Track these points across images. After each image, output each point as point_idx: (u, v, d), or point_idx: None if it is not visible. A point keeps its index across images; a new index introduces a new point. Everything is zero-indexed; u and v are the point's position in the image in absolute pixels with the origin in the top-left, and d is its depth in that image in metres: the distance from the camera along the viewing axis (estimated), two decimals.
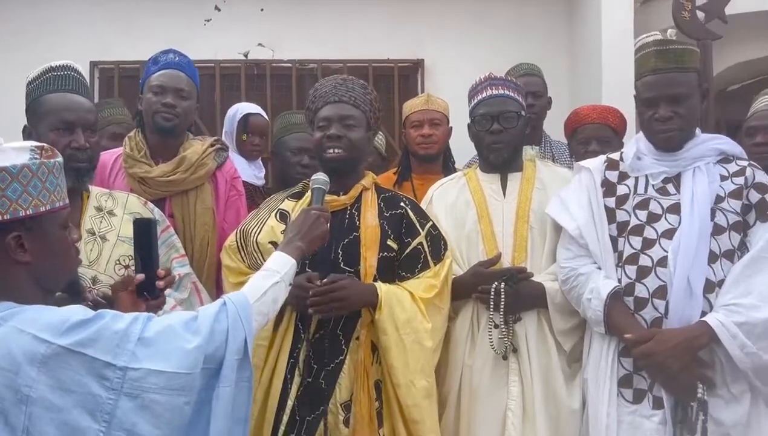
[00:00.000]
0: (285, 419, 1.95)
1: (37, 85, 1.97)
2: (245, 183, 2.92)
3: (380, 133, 3.37)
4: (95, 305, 1.69)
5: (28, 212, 1.30)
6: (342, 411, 1.97)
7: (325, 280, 1.95)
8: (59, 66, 1.99)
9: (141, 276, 1.62)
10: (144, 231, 1.66)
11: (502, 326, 2.14)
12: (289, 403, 1.96)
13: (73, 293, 1.56)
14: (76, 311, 1.29)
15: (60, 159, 1.39)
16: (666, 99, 2.03)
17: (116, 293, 1.64)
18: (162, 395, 1.27)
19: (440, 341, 2.13)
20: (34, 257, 1.32)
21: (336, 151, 2.08)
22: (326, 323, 2.00)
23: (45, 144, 1.38)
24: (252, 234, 2.10)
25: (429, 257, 2.11)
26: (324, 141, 2.09)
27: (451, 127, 3.01)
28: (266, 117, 3.29)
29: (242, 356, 1.41)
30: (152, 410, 1.26)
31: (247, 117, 3.17)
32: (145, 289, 1.63)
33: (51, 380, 1.21)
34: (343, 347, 2.00)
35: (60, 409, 1.21)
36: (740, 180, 2.02)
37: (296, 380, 1.98)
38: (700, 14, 3.43)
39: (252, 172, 3.13)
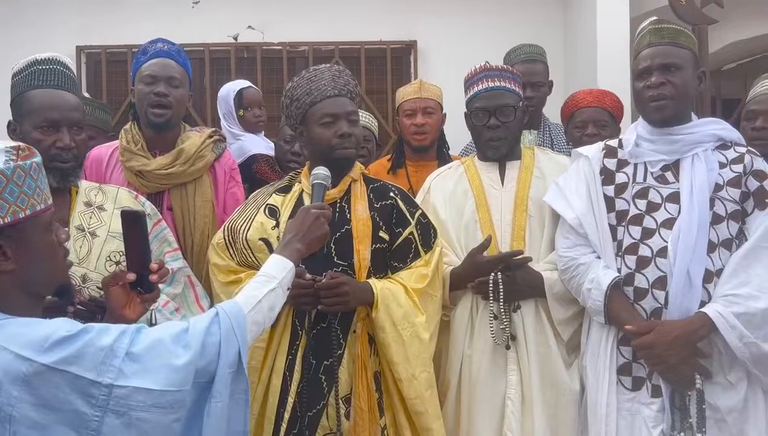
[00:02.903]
0: (286, 416, 1.93)
1: (22, 80, 1.89)
2: (267, 156, 3.03)
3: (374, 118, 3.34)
4: (79, 310, 1.64)
5: (6, 220, 1.24)
6: (343, 405, 1.96)
7: (324, 278, 1.92)
8: (44, 59, 1.90)
9: (132, 276, 1.55)
10: (133, 223, 1.57)
11: (502, 316, 2.13)
12: (290, 400, 1.94)
13: (64, 296, 1.50)
14: (61, 326, 1.23)
15: (38, 158, 1.32)
16: (659, 67, 2.03)
17: (107, 288, 1.56)
18: (150, 413, 1.22)
19: (435, 329, 2.12)
20: (18, 264, 1.27)
21: (350, 149, 2.02)
22: (323, 318, 1.98)
23: (21, 144, 1.32)
24: (240, 231, 2.06)
25: (420, 246, 2.09)
26: (336, 140, 2.00)
27: (445, 114, 2.97)
28: (258, 89, 3.36)
29: (236, 369, 1.36)
30: (139, 427, 1.21)
31: (240, 93, 3.22)
32: (138, 283, 1.56)
33: (34, 398, 1.17)
34: (341, 340, 1.98)
35: (44, 427, 1.17)
36: (739, 167, 2.00)
37: (296, 376, 1.96)
38: None
39: (266, 145, 3.17)
